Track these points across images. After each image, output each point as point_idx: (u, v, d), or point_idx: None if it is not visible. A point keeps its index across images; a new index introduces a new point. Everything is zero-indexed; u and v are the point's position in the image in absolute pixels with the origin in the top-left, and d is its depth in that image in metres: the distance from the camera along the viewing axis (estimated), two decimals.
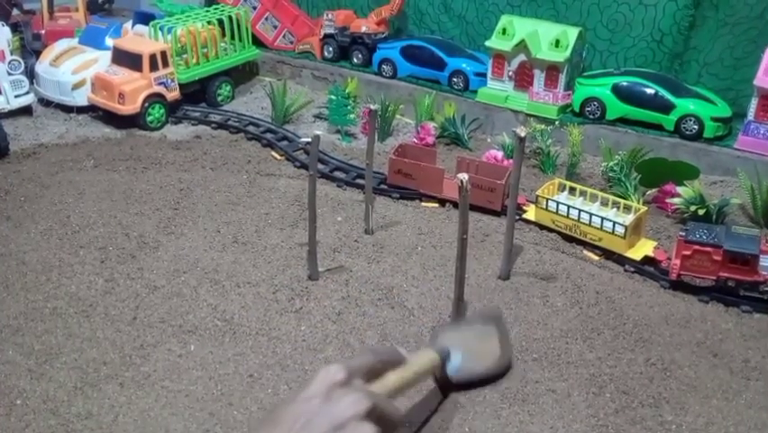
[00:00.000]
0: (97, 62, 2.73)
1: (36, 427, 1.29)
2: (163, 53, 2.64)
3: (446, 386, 1.39)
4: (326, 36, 3.04)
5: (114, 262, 1.79)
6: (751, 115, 2.25)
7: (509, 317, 1.62)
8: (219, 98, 2.87)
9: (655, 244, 1.87)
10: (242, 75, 3.11)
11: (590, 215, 1.87)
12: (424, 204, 2.13)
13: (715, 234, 1.67)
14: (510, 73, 2.60)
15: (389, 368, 1.08)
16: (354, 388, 0.93)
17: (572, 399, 1.39)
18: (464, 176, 1.39)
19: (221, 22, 2.89)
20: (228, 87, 2.91)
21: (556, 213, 1.93)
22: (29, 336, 1.52)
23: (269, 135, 2.56)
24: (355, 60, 2.99)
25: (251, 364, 1.45)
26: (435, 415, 1.33)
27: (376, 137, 2.32)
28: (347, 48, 3.00)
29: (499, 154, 2.28)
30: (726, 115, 2.33)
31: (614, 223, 1.82)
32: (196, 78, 2.79)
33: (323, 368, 0.93)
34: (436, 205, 2.12)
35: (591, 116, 2.48)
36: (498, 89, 2.63)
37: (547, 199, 1.94)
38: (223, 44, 2.91)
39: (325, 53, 3.06)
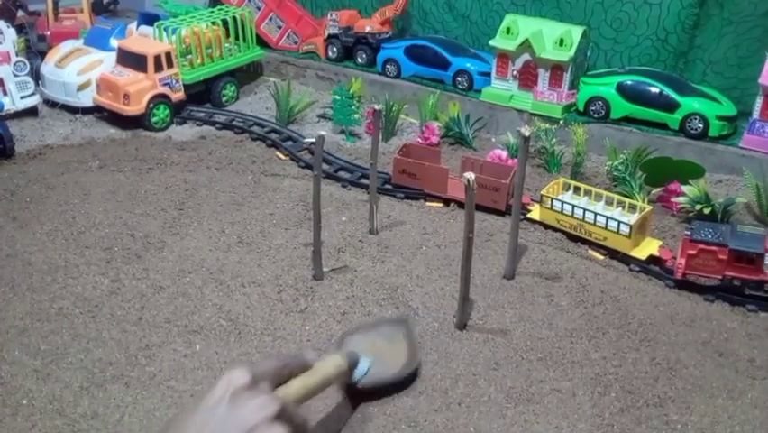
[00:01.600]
0: (102, 63, 2.73)
1: (42, 427, 1.30)
2: (168, 54, 2.65)
3: (353, 393, 1.36)
4: (330, 36, 3.04)
5: (119, 262, 1.80)
6: (756, 113, 2.24)
7: (514, 317, 1.62)
8: (224, 99, 2.87)
9: (660, 243, 1.87)
10: (246, 75, 3.12)
11: (595, 214, 1.86)
12: (428, 203, 2.13)
13: (720, 234, 1.67)
14: (514, 72, 2.60)
15: (296, 373, 1.05)
16: (261, 391, 0.91)
17: (577, 398, 1.39)
18: (471, 175, 1.39)
19: (225, 22, 2.90)
20: (233, 88, 2.92)
21: (561, 212, 1.93)
22: (35, 336, 1.53)
23: (273, 136, 2.56)
24: (359, 60, 2.99)
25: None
26: (439, 414, 1.33)
27: (380, 137, 2.32)
28: (351, 48, 3.00)
29: (504, 154, 2.28)
30: (731, 114, 2.32)
31: (619, 222, 1.82)
32: (201, 79, 2.79)
33: (225, 374, 0.90)
34: (441, 204, 2.12)
35: (596, 115, 2.48)
36: (502, 89, 2.63)
37: (552, 199, 1.94)
38: (227, 45, 2.91)
39: (329, 53, 3.06)
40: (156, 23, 2.76)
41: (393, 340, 1.48)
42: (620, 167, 2.14)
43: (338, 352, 1.32)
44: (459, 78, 2.73)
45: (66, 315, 1.60)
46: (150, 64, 2.59)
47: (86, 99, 2.70)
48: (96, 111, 2.72)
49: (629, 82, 2.43)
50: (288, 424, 0.89)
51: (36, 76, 2.78)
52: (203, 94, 2.84)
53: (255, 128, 2.63)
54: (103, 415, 1.33)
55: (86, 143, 2.50)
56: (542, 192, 1.97)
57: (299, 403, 1.03)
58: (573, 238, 1.93)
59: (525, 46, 2.52)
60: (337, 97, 2.54)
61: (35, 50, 3.01)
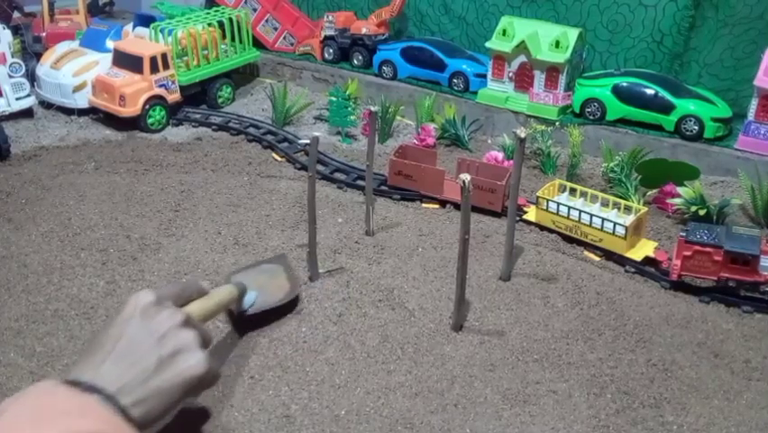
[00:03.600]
0: (98, 65, 2.73)
1: None
2: (164, 55, 2.64)
3: (242, 321, 1.53)
4: (327, 38, 3.04)
5: (115, 264, 1.80)
6: (751, 115, 2.25)
7: (510, 319, 1.62)
8: (220, 100, 2.87)
9: (656, 244, 1.87)
10: (242, 77, 3.12)
11: (591, 215, 1.87)
12: (424, 205, 2.13)
13: (715, 235, 1.67)
14: (510, 74, 2.60)
15: (193, 298, 1.17)
16: (166, 306, 1.02)
17: (573, 400, 1.39)
18: (466, 176, 1.39)
19: (221, 23, 2.90)
20: (229, 89, 2.92)
21: (557, 214, 1.93)
22: (30, 338, 1.52)
23: (269, 137, 2.56)
24: (355, 62, 3.00)
25: (252, 366, 1.45)
26: (435, 416, 1.33)
27: (376, 138, 2.32)
28: (347, 49, 3.01)
29: (500, 155, 2.28)
30: (726, 116, 2.33)
31: (614, 224, 1.82)
32: (197, 80, 2.79)
33: (133, 295, 1.00)
34: (437, 206, 2.12)
35: (592, 117, 2.49)
36: (498, 90, 2.64)
37: (548, 200, 1.94)
38: (223, 46, 2.91)
39: (326, 55, 3.06)
40: (152, 25, 2.76)
41: (274, 275, 1.65)
42: (616, 168, 2.15)
43: (228, 283, 1.48)
44: (455, 80, 2.73)
45: (61, 317, 1.59)
46: (146, 65, 2.59)
47: (82, 101, 2.69)
48: (92, 112, 2.71)
49: (625, 84, 2.43)
50: (194, 330, 1.01)
51: (32, 77, 2.77)
52: (199, 95, 2.84)
53: (251, 130, 2.63)
54: None
55: (81, 145, 2.49)
56: (538, 194, 1.98)
57: (200, 322, 1.14)
58: (569, 240, 1.93)
59: (521, 48, 2.52)
60: (333, 99, 2.54)
61: (31, 52, 3.00)
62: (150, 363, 0.94)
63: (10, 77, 2.63)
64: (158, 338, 0.95)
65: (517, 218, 1.94)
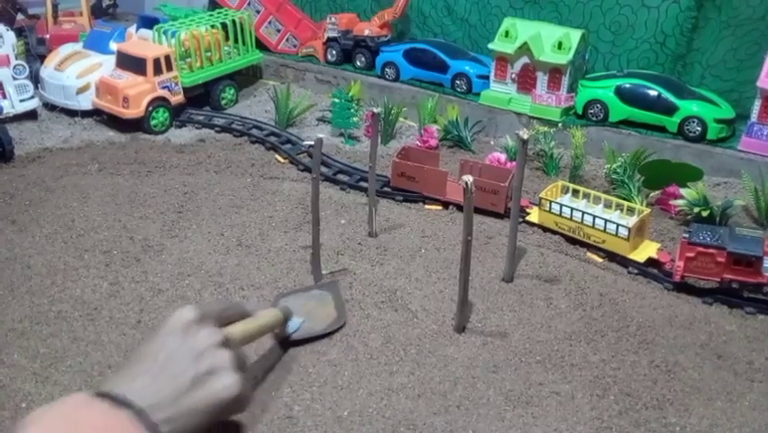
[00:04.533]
0: (102, 66, 2.74)
1: None
2: (167, 57, 2.65)
3: (285, 346, 1.50)
4: (329, 39, 3.04)
5: (118, 265, 1.80)
6: (754, 116, 2.25)
7: (513, 320, 1.62)
8: (223, 102, 2.88)
9: (659, 245, 1.87)
10: (245, 78, 3.12)
11: (594, 217, 1.87)
12: (427, 206, 2.13)
13: (718, 236, 1.67)
14: (513, 75, 2.60)
15: (236, 319, 1.17)
16: (207, 324, 1.02)
17: (576, 401, 1.39)
18: (469, 178, 1.39)
19: (224, 25, 2.90)
20: (232, 91, 2.92)
21: (559, 215, 1.93)
22: (34, 339, 1.53)
23: (272, 139, 2.57)
24: (358, 64, 3.00)
25: (255, 367, 1.45)
26: (438, 417, 1.34)
27: (379, 140, 2.33)
28: (350, 51, 3.01)
29: (502, 157, 2.28)
30: (729, 117, 2.33)
31: (617, 225, 1.82)
32: (200, 82, 2.79)
33: (177, 310, 1.02)
34: (440, 207, 2.12)
35: (594, 118, 2.49)
36: (501, 92, 2.64)
37: (550, 202, 1.94)
38: (226, 48, 2.92)
39: (329, 56, 3.06)
40: (155, 27, 2.76)
41: (323, 302, 1.63)
42: (618, 170, 2.15)
43: (275, 305, 1.47)
44: (457, 81, 2.73)
45: (65, 318, 1.60)
46: (150, 67, 2.60)
47: (86, 102, 2.70)
48: (96, 114, 2.72)
49: (628, 85, 2.43)
50: (231, 351, 1.01)
51: (35, 79, 2.78)
52: (202, 97, 2.84)
53: (254, 131, 2.63)
54: None
55: (85, 146, 2.50)
56: (540, 195, 1.98)
57: (239, 344, 1.13)
58: (572, 241, 1.93)
59: (524, 49, 2.52)
60: (336, 100, 2.55)
61: (35, 54, 3.01)
62: (186, 380, 0.95)
63: (14, 78, 2.63)
64: (195, 356, 0.96)
65: (520, 220, 1.94)
